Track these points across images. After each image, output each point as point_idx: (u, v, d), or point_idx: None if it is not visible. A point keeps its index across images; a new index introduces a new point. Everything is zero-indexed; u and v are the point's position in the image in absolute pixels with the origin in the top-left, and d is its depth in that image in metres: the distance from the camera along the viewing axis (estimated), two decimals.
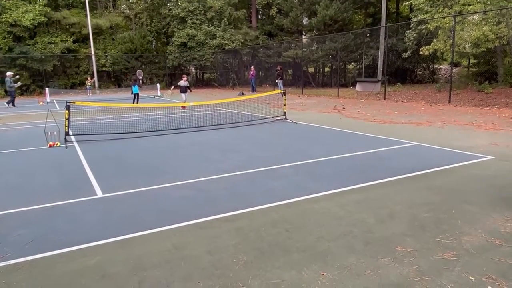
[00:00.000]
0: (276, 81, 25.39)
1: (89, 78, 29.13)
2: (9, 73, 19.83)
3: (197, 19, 32.67)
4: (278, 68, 26.18)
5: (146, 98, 23.18)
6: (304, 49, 28.56)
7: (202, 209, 4.38)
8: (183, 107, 15.59)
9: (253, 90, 25.95)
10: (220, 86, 34.47)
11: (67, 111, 8.90)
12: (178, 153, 7.69)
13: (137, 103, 18.10)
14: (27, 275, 3.07)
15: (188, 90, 16.68)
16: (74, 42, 31.95)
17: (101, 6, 36.12)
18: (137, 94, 18.64)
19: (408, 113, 12.70)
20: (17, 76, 20.52)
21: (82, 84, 30.99)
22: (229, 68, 34.06)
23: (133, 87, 18.78)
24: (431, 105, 14.86)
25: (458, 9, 16.48)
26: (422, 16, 18.56)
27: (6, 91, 20.09)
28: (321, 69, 33.15)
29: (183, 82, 16.16)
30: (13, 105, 19.74)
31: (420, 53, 19.19)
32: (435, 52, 18.89)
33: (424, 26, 18.68)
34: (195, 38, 32.34)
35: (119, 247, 3.52)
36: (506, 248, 3.26)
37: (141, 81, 20.35)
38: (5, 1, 28.24)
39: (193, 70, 37.96)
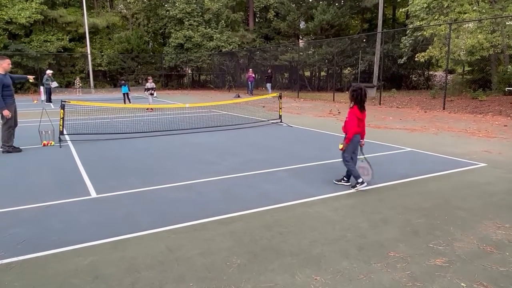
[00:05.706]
0: (266, 84, 25.72)
1: (78, 78, 29.32)
2: (48, 71, 21.26)
3: (194, 21, 32.69)
4: (269, 71, 26.46)
5: (141, 99, 23.12)
6: (301, 53, 28.70)
7: (197, 211, 4.38)
8: (150, 109, 15.21)
9: (250, 92, 25.99)
10: (216, 88, 34.48)
11: (62, 110, 8.86)
12: (174, 154, 7.67)
13: (129, 102, 18.15)
14: (19, 274, 3.05)
15: (153, 92, 16.20)
16: (70, 41, 31.82)
17: (98, 6, 36.05)
18: (126, 94, 18.65)
19: (402, 119, 12.78)
20: (55, 83, 21.93)
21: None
22: (226, 70, 34.09)
23: (122, 87, 18.84)
24: (425, 111, 14.98)
25: (453, 16, 16.66)
26: (418, 23, 18.75)
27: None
28: (317, 73, 33.29)
29: (149, 84, 16.16)
30: (49, 101, 20.68)
31: (416, 59, 19.38)
32: (430, 58, 19.08)
33: (420, 33, 18.87)
34: (192, 40, 32.36)
35: (112, 248, 3.51)
36: (498, 255, 3.29)
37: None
38: None
39: (190, 71, 37.96)
